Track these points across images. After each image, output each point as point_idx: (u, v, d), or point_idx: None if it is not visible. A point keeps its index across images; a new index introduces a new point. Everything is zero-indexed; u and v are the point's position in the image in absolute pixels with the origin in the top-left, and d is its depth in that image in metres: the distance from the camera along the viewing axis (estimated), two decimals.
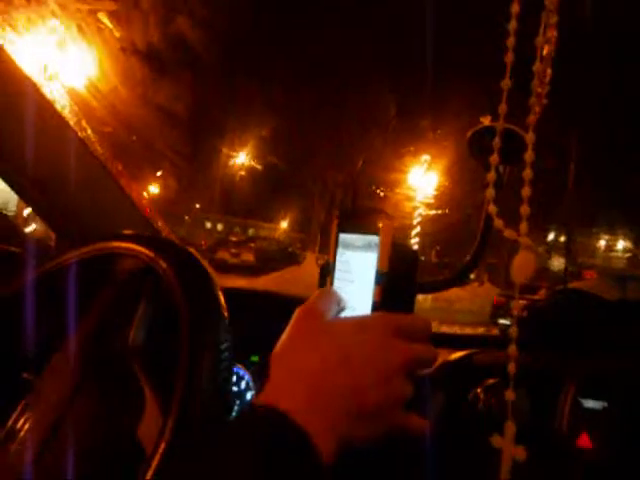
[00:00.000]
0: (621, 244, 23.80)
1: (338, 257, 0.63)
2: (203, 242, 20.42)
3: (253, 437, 0.43)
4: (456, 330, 1.47)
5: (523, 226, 0.41)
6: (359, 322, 0.55)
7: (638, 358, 0.93)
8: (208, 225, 29.55)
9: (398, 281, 0.57)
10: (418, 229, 10.90)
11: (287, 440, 0.43)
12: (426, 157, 11.83)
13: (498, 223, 0.44)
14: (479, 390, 0.88)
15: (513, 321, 0.46)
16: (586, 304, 1.06)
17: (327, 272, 0.64)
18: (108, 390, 0.77)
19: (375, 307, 0.56)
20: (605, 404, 0.84)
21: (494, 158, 0.49)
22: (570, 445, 0.82)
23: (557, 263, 22.62)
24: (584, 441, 0.82)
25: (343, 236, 0.62)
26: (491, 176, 0.48)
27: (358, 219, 0.62)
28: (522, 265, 0.41)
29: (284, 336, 0.55)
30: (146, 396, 0.72)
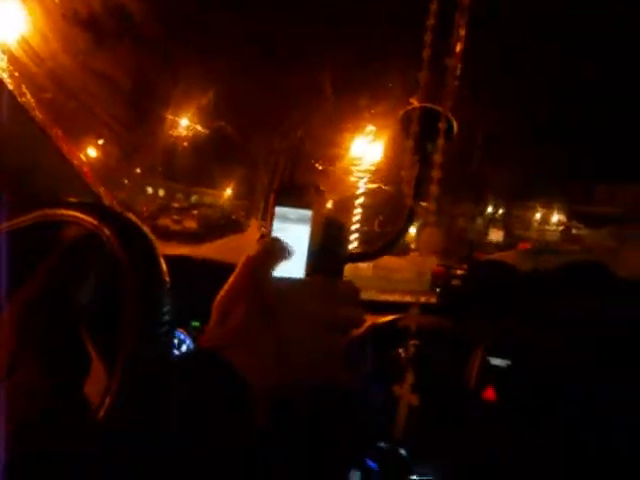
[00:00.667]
0: (556, 217, 24.61)
1: (275, 229, 0.68)
2: (145, 208, 19.71)
3: (191, 376, 0.47)
4: (396, 298, 1.55)
5: (430, 205, 0.47)
6: (295, 282, 0.59)
7: (541, 323, 1.04)
8: (149, 190, 28.60)
9: (328, 252, 0.63)
10: (361, 200, 11.04)
11: (222, 380, 0.47)
12: (371, 128, 11.93)
13: (410, 202, 0.50)
14: (400, 349, 0.96)
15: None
16: (501, 275, 1.15)
17: None
18: (49, 358, 0.78)
19: (307, 275, 0.61)
20: (509, 362, 0.93)
21: (409, 143, 0.54)
22: (477, 397, 0.92)
23: (495, 236, 23.33)
24: (489, 394, 0.92)
25: (280, 209, 0.67)
26: (408, 159, 0.54)
27: (294, 193, 0.66)
28: (428, 239, 0.47)
29: (228, 284, 0.58)
30: (93, 361, 0.75)
